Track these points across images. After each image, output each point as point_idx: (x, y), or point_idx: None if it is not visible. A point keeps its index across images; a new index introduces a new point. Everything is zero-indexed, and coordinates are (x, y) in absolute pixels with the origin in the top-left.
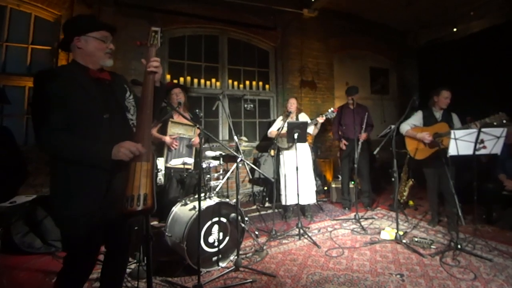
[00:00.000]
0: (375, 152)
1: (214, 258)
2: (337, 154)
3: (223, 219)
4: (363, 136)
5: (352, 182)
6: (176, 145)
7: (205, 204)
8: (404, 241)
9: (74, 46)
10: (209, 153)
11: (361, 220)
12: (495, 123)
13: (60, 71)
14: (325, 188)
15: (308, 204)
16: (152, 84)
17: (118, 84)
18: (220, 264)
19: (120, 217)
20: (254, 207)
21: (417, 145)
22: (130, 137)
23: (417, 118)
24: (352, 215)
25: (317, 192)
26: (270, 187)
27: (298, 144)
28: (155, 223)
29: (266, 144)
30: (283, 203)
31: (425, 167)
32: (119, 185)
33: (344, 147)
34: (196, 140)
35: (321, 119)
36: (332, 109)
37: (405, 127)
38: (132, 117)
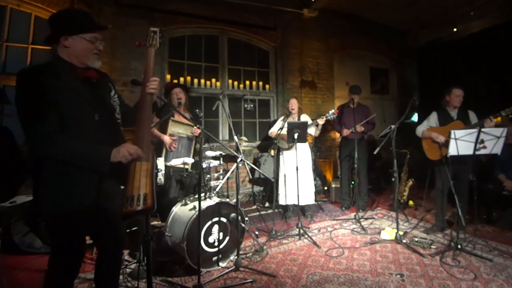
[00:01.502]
0: (375, 152)
1: (214, 258)
2: (336, 153)
3: (223, 219)
4: (359, 127)
5: (352, 182)
6: (175, 147)
7: (205, 204)
8: (404, 241)
9: (60, 44)
10: (209, 153)
11: (361, 220)
12: (510, 116)
13: (45, 69)
14: (325, 188)
15: (308, 204)
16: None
17: (104, 83)
18: (220, 264)
19: (112, 216)
20: (254, 207)
21: (432, 145)
22: (119, 135)
23: (432, 120)
24: (352, 215)
25: (317, 192)
26: (270, 187)
27: (298, 144)
28: (155, 222)
29: (266, 144)
30: (281, 202)
31: (438, 166)
32: (111, 183)
33: (347, 133)
34: (197, 130)
35: (321, 121)
36: (333, 110)
37: (420, 129)
38: (118, 116)
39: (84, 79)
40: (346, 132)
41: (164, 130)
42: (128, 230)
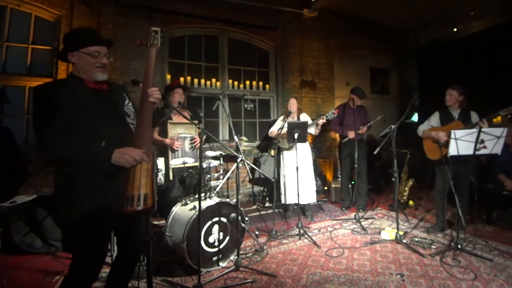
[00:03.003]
0: (375, 152)
1: (214, 258)
2: (336, 153)
3: (223, 219)
4: (363, 129)
5: (352, 182)
6: (178, 145)
7: (205, 204)
8: (404, 241)
9: (69, 61)
10: (209, 153)
11: (361, 220)
12: (509, 116)
13: (59, 83)
14: (325, 188)
15: (308, 204)
16: (151, 85)
17: (117, 92)
18: (220, 264)
19: (131, 220)
20: (254, 207)
21: (432, 145)
22: (130, 139)
23: (433, 120)
24: (352, 215)
25: (317, 192)
26: (270, 187)
27: (298, 144)
28: (155, 222)
29: (266, 144)
30: (283, 202)
31: (438, 166)
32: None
33: (353, 136)
34: (197, 139)
35: (321, 121)
36: (332, 110)
37: (421, 128)
38: (133, 121)
39: (93, 90)
40: (352, 134)
41: (164, 134)
42: None
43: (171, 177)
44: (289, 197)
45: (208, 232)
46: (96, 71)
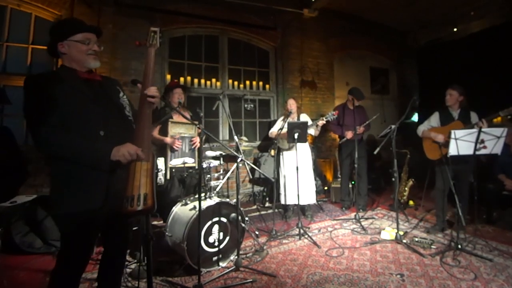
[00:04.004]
0: (375, 152)
1: (215, 258)
2: (336, 154)
3: (224, 219)
4: (360, 129)
5: (352, 182)
6: (179, 145)
7: (205, 204)
8: (404, 241)
9: (60, 52)
10: (210, 153)
11: (361, 220)
12: (509, 116)
13: (50, 75)
14: (325, 188)
15: (308, 204)
16: (151, 85)
17: (110, 85)
18: (221, 264)
19: (121, 216)
20: (254, 207)
21: (432, 145)
22: (129, 131)
23: (433, 120)
24: (352, 215)
25: (317, 192)
26: (271, 187)
27: (298, 144)
28: (155, 222)
29: (267, 144)
30: (283, 202)
31: (438, 166)
32: (121, 185)
33: (351, 136)
34: (196, 139)
35: (321, 122)
36: (332, 112)
37: (421, 128)
38: (129, 113)
39: (86, 80)
40: (351, 134)
41: (165, 133)
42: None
43: (168, 176)
44: (289, 197)
45: (208, 232)
46: (88, 59)
